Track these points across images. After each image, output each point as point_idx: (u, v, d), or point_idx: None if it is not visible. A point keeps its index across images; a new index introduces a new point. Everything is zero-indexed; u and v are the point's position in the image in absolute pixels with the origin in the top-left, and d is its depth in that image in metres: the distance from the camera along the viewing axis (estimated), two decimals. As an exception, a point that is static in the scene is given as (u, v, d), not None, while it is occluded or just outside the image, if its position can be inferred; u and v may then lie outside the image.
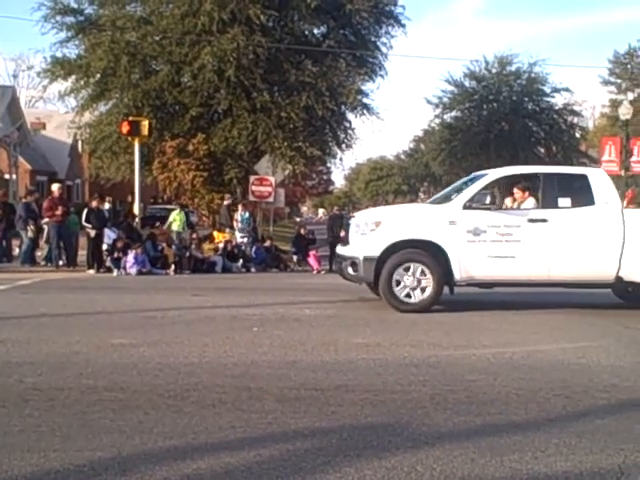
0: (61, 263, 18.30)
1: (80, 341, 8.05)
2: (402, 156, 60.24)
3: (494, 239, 10.88)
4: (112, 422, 5.04)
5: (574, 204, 11.16)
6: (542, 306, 11.74)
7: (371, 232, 11.06)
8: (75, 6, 25.75)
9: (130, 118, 20.89)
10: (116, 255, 17.85)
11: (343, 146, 28.09)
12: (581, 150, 39.95)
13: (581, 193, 11.20)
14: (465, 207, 10.97)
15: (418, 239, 10.94)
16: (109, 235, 18.70)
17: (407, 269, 10.79)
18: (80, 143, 41.32)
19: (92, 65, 24.84)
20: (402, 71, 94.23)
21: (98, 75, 25.44)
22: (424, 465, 4.31)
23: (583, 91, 63.72)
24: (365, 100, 26.48)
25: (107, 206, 21.24)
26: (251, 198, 24.62)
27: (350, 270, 11.22)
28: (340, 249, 12.21)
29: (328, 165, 37.52)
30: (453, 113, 40.27)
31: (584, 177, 11.40)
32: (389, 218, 11.42)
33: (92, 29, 25.44)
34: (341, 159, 29.40)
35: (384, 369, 6.91)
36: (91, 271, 17.81)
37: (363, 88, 26.51)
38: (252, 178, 24.65)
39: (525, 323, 10.11)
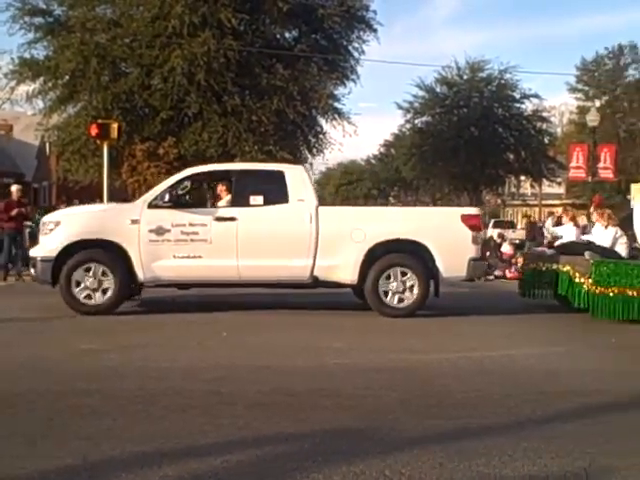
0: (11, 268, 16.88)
1: (48, 346, 7.97)
2: (373, 160, 60.43)
3: (179, 238, 10.51)
4: (80, 428, 4.99)
5: (267, 202, 10.86)
6: (511, 312, 11.86)
7: (50, 232, 10.68)
8: (44, 7, 25.47)
9: (99, 121, 20.63)
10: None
11: (314, 150, 28.13)
12: (549, 156, 40.36)
13: (276, 191, 10.86)
14: (150, 206, 10.61)
15: (97, 239, 10.50)
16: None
17: (88, 270, 10.41)
18: (48, 145, 40.83)
19: (61, 67, 24.56)
20: (374, 76, 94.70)
21: (67, 77, 25.14)
22: (393, 470, 4.32)
23: (552, 98, 64.61)
24: (336, 105, 26.55)
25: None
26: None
27: (32, 271, 10.94)
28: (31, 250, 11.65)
29: (299, 169, 37.51)
30: (424, 118, 40.47)
31: (280, 174, 11.08)
32: (68, 218, 11.06)
33: (61, 30, 25.14)
34: (312, 163, 29.37)
35: (356, 374, 6.92)
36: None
37: (335, 92, 26.59)
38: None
39: (493, 328, 10.18)
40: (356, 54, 27.18)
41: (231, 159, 25.03)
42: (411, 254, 10.92)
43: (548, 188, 48.33)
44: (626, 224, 13.00)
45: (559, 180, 42.48)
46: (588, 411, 5.84)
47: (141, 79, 24.44)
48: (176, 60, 23.28)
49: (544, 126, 40.29)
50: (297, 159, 28.12)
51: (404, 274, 10.81)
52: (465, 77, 39.12)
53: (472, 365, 7.56)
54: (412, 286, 10.79)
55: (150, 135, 24.84)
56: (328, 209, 11.55)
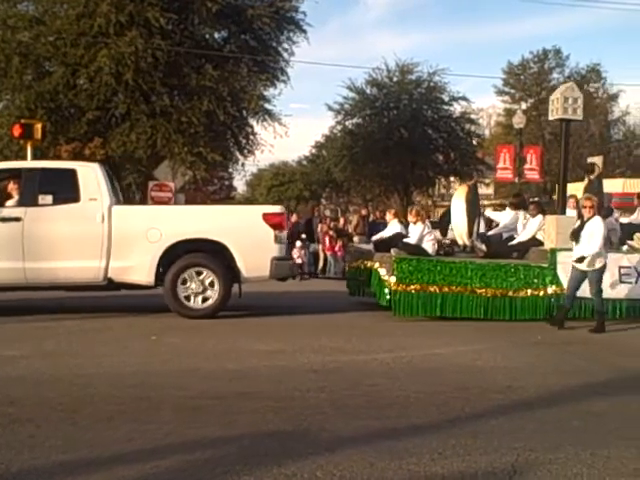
0: None
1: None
2: (304, 162, 60.48)
3: None
4: (0, 437, 4.82)
5: (57, 201, 10.56)
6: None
7: None
8: (-36, 3, 24.69)
9: (22, 121, 20.10)
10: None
11: (245, 151, 27.99)
12: (478, 157, 41.07)
13: (66, 189, 10.55)
14: None
15: None
16: None
17: None
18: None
19: (-19, 65, 23.86)
20: (306, 77, 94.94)
21: (-12, 76, 24.44)
22: (324, 471, 4.31)
23: (480, 100, 66.00)
24: (267, 106, 26.48)
25: None
26: (150, 204, 24.16)
27: None
28: None
29: (230, 170, 37.23)
30: (354, 120, 40.66)
31: (72, 172, 10.72)
32: None
33: (-19, 28, 24.43)
34: (243, 164, 29.17)
35: (286, 376, 6.89)
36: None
37: (265, 94, 26.51)
38: (151, 184, 24.18)
39: (421, 328, 10.29)
40: (286, 55, 27.23)
41: (160, 160, 24.77)
42: (211, 254, 10.74)
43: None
44: (446, 220, 13.16)
45: (487, 181, 43.31)
46: (514, 407, 5.93)
47: (66, 78, 23.92)
48: (103, 59, 22.87)
49: (472, 128, 40.99)
50: (228, 160, 28.05)
51: (201, 274, 10.63)
52: (395, 79, 39.49)
53: (401, 364, 7.61)
54: (212, 287, 10.63)
55: (76, 136, 24.32)
56: (122, 208, 11.11)
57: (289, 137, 27.38)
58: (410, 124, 37.80)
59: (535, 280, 11.27)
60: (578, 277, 10.53)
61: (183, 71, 24.25)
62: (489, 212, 16.30)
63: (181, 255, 10.69)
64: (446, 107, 39.57)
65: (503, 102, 53.03)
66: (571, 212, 12.77)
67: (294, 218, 24.40)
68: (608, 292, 11.25)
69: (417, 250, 11.65)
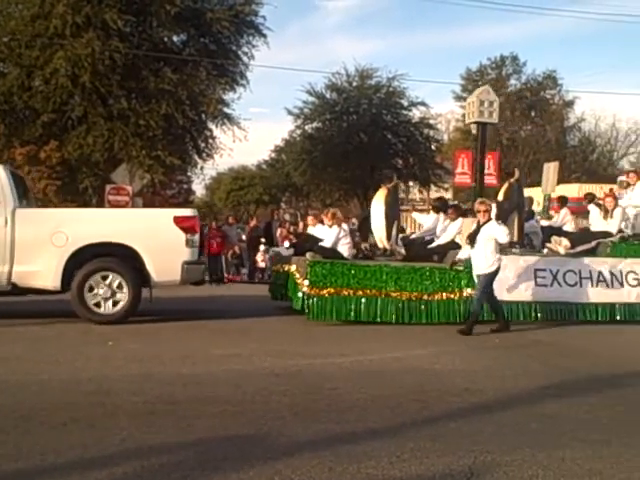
0: None
1: None
2: (264, 166, 60.33)
3: None
4: (-50, 446, 4.70)
5: None
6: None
7: None
8: None
9: (-25, 123, 19.77)
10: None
11: (204, 155, 27.80)
12: (437, 162, 41.33)
13: None
14: None
15: None
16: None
17: None
18: None
19: None
20: (266, 81, 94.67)
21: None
22: (282, 475, 4.28)
23: (439, 105, 66.53)
24: (226, 109, 26.35)
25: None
26: (107, 207, 23.86)
27: None
28: None
29: (188, 174, 36.97)
30: (314, 124, 40.67)
31: None
32: None
33: None
34: (202, 168, 28.97)
35: (244, 380, 6.84)
36: None
37: (224, 97, 26.37)
38: (108, 187, 23.88)
39: (380, 332, 10.32)
40: (246, 59, 27.11)
41: (118, 164, 24.49)
42: (120, 258, 10.56)
43: (436, 194, 49.56)
44: (367, 224, 13.07)
45: (446, 186, 43.64)
46: (472, 410, 5.97)
47: (21, 80, 23.50)
48: (59, 61, 22.54)
49: (431, 133, 41.27)
50: (187, 164, 27.84)
51: (107, 278, 10.44)
52: (354, 84, 39.60)
53: (361, 368, 7.62)
54: (121, 289, 10.45)
55: (31, 138, 23.95)
56: (26, 211, 10.81)
57: (248, 141, 27.30)
58: (369, 129, 37.93)
59: (451, 283, 11.23)
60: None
61: (141, 74, 24.02)
62: (415, 214, 16.20)
63: (90, 259, 10.44)
64: (405, 112, 39.77)
65: (461, 108, 53.43)
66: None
67: (253, 222, 24.34)
68: (523, 295, 11.44)
69: (332, 253, 11.54)
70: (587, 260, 12.10)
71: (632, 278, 12.09)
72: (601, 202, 13.25)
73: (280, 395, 6.24)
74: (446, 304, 11.24)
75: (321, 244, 11.82)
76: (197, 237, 10.94)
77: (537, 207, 16.50)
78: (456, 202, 21.50)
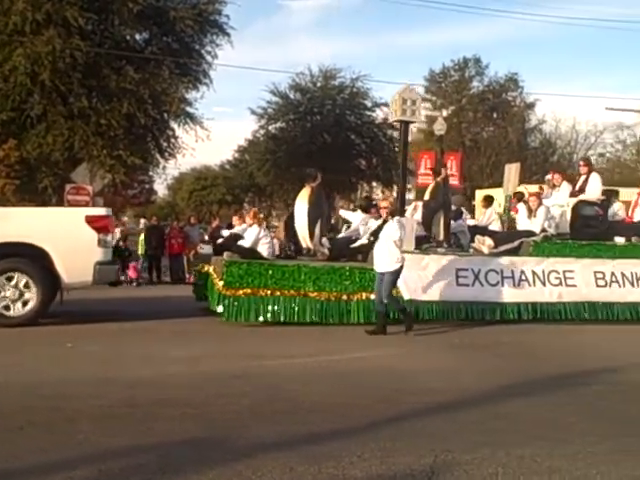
0: None
1: None
2: (227, 166, 60.01)
3: None
4: None
5: None
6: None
7: None
8: None
9: None
10: None
11: (166, 155, 27.55)
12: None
13: None
14: None
15: None
16: None
17: None
18: None
19: None
20: (230, 80, 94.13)
21: None
22: (243, 477, 4.26)
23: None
24: (189, 109, 26.14)
25: None
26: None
27: None
28: None
29: (150, 174, 36.59)
30: (278, 124, 40.59)
31: None
32: None
33: None
34: (164, 168, 28.69)
35: (204, 382, 6.80)
36: None
37: (187, 97, 26.17)
38: (68, 187, 23.55)
39: (341, 333, 10.31)
40: (209, 58, 26.91)
41: (78, 163, 24.18)
42: (29, 258, 10.32)
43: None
44: (291, 223, 12.92)
45: (409, 186, 43.89)
46: (432, 409, 6.00)
47: (-21, 77, 23.07)
48: (18, 59, 22.15)
49: (394, 134, 41.46)
50: (149, 163, 27.57)
51: (12, 279, 10.21)
52: (318, 84, 39.61)
53: (322, 369, 7.62)
54: (29, 289, 10.21)
55: (-12, 137, 23.50)
56: None
57: (211, 141, 27.10)
58: (333, 129, 37.97)
59: (371, 283, 10.93)
60: (381, 279, 10.35)
61: (103, 72, 23.71)
62: (342, 212, 15.85)
63: None
64: (369, 113, 39.88)
65: (425, 109, 53.76)
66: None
67: (216, 223, 24.19)
68: (444, 294, 11.36)
69: (251, 253, 11.38)
70: (509, 259, 12.06)
71: (554, 277, 12.08)
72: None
73: (240, 397, 6.21)
74: (366, 304, 11.04)
75: (240, 243, 11.63)
76: (110, 237, 10.79)
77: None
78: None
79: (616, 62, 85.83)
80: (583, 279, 12.22)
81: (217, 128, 41.30)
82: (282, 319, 10.81)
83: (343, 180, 39.87)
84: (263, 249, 11.57)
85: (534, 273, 12.03)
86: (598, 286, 12.24)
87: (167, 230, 23.43)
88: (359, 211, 13.59)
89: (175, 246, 21.63)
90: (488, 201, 14.31)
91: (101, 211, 11.12)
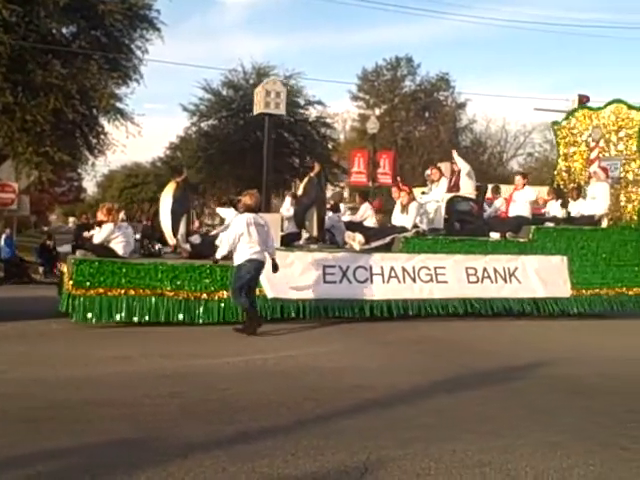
0: None
1: None
2: (158, 163, 59.21)
3: None
4: None
5: None
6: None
7: None
8: None
9: None
10: None
11: (95, 151, 27.02)
12: (333, 161, 41.66)
13: None
14: None
15: None
16: None
17: None
18: None
19: None
20: (162, 76, 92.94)
21: None
22: (175, 478, 4.21)
23: (335, 105, 67.09)
24: (119, 105, 25.68)
25: None
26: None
27: None
28: None
29: (79, 171, 35.82)
30: (210, 121, 40.26)
31: None
32: None
33: None
34: (93, 165, 28.10)
35: (135, 382, 6.70)
36: None
37: (117, 92, 25.70)
38: (-7, 184, 22.94)
39: (275, 332, 10.28)
40: (139, 53, 26.50)
41: (3, 160, 23.52)
42: None
43: (332, 192, 50.02)
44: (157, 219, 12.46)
45: (342, 185, 44.10)
46: (364, 406, 6.05)
47: None
48: (-62, 51, 21.41)
49: (328, 132, 41.60)
50: (77, 160, 26.97)
51: None
52: (251, 81, 39.42)
53: (254, 368, 7.60)
54: None
55: None
56: None
57: (142, 137, 26.70)
58: (266, 127, 37.86)
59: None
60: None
61: (28, 67, 23.08)
62: (219, 209, 15.35)
63: None
64: (302, 111, 39.93)
65: (358, 107, 54.16)
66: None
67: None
68: (311, 292, 11.19)
69: (104, 251, 10.87)
70: (380, 256, 11.93)
71: (424, 274, 12.01)
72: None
73: (171, 397, 6.14)
74: (227, 303, 10.74)
75: (93, 241, 11.09)
76: None
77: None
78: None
79: (546, 63, 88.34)
80: (455, 275, 12.14)
81: (148, 125, 40.78)
82: (137, 319, 10.42)
83: (277, 178, 39.87)
84: (118, 247, 10.98)
85: (404, 270, 11.90)
86: (470, 282, 12.20)
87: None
88: (231, 208, 13.11)
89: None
90: (362, 197, 14.26)
91: None
